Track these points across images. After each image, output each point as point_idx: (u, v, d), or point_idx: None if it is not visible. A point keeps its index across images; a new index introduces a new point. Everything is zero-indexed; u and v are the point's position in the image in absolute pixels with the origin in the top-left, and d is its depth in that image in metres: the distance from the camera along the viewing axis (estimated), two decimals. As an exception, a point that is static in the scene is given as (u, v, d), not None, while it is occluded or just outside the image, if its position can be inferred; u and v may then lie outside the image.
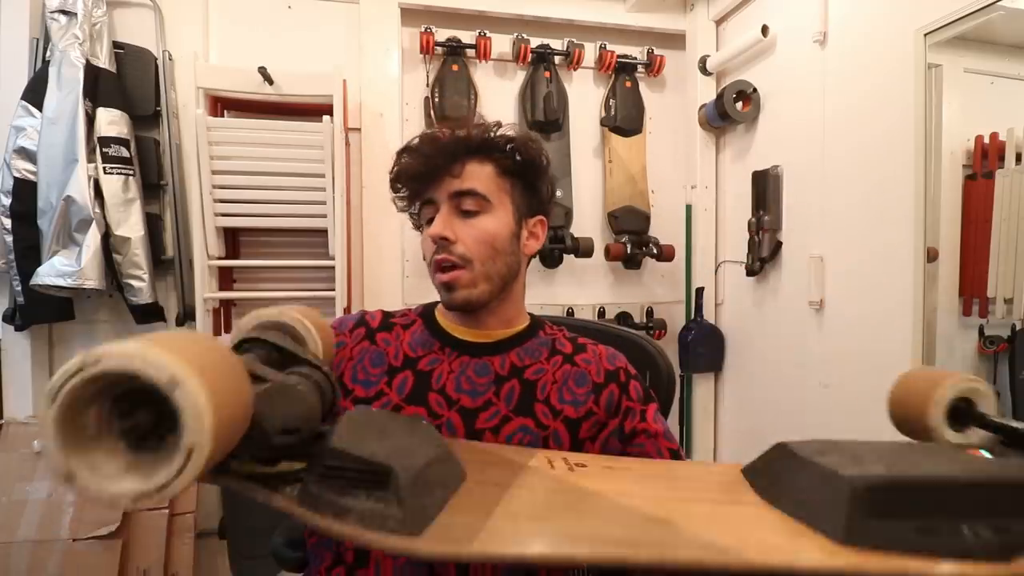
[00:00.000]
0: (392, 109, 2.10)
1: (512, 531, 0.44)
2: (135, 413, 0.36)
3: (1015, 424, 0.56)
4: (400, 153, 0.79)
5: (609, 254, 2.26)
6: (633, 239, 2.26)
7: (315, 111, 1.89)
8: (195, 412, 0.33)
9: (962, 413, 0.58)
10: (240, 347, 0.51)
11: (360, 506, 0.41)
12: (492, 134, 0.78)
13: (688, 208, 2.33)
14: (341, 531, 0.41)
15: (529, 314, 0.85)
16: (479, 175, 0.77)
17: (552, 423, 0.74)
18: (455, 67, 2.16)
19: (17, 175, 1.72)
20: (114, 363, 0.33)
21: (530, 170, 0.80)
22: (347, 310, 1.99)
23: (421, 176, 0.77)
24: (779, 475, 0.53)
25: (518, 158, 0.78)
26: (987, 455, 0.53)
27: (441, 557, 0.42)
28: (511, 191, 0.79)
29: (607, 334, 1.05)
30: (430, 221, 0.76)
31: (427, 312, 0.85)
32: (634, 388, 0.80)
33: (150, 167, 1.90)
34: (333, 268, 1.91)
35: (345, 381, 0.77)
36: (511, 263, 0.78)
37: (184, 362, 0.33)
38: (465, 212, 0.76)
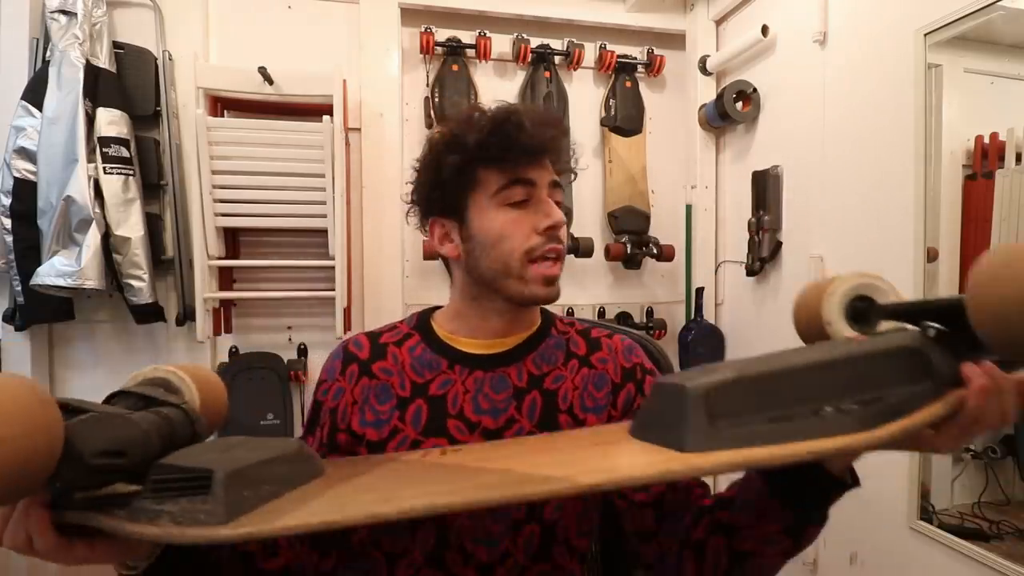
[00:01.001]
0: (392, 109, 2.10)
1: (331, 506, 0.46)
2: None
3: (909, 300, 0.54)
4: (504, 117, 0.68)
5: (609, 254, 2.26)
6: (633, 239, 2.26)
7: (315, 111, 1.89)
8: None
9: (863, 312, 0.55)
10: (110, 400, 0.52)
11: (176, 508, 0.43)
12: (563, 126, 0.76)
13: (688, 208, 2.33)
14: (154, 533, 0.42)
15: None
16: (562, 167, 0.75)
17: None
18: (455, 67, 2.16)
19: (17, 175, 1.72)
20: None
21: (568, 171, 0.79)
22: (347, 310, 1.99)
23: (535, 150, 0.69)
24: (646, 411, 0.55)
25: (571, 157, 0.77)
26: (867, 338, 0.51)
27: (243, 538, 0.42)
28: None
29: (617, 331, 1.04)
30: (519, 204, 0.69)
31: (423, 325, 0.77)
32: (649, 385, 0.76)
33: (150, 167, 1.90)
34: (333, 268, 1.91)
35: (354, 428, 0.71)
36: None
37: None
38: (557, 204, 0.71)
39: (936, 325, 0.47)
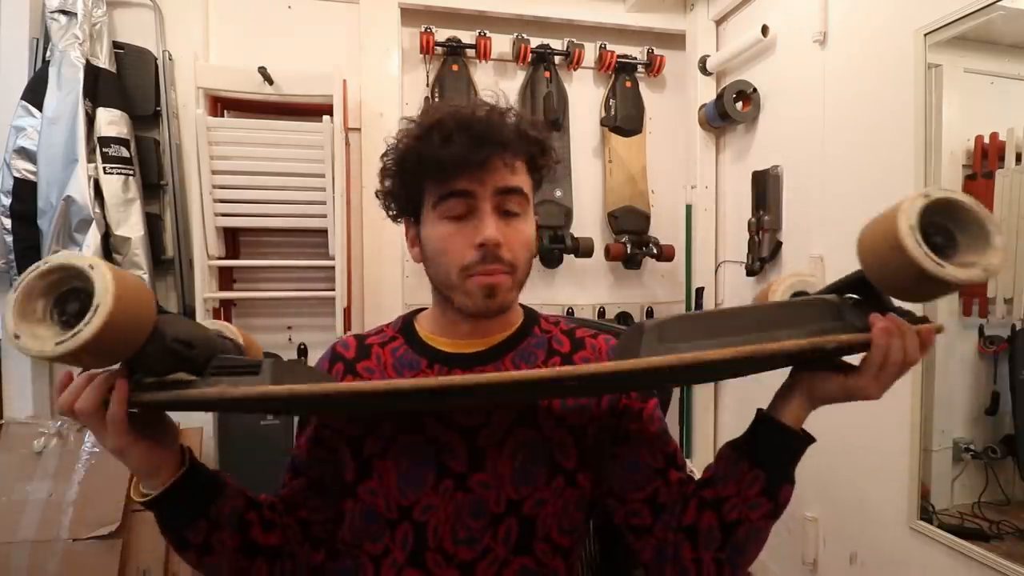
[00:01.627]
0: (392, 109, 2.10)
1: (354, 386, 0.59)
2: (69, 304, 0.50)
3: (831, 283, 0.64)
4: (428, 129, 0.65)
5: (609, 254, 2.26)
6: (633, 239, 2.26)
7: (315, 111, 1.89)
8: (103, 281, 0.47)
9: None
10: None
11: (232, 379, 0.54)
12: (525, 125, 0.69)
13: (688, 208, 2.33)
14: (213, 391, 0.53)
15: (521, 306, 0.78)
16: (521, 171, 0.69)
17: (557, 432, 0.69)
18: (455, 67, 2.16)
19: (17, 175, 1.72)
20: (55, 259, 0.49)
21: (546, 166, 0.73)
22: (347, 310, 1.99)
23: (464, 163, 0.64)
24: (614, 350, 0.66)
25: (542, 156, 0.71)
26: None
27: (286, 393, 0.52)
28: (532, 191, 0.72)
29: (610, 332, 1.04)
30: (459, 217, 0.66)
31: (407, 327, 0.77)
32: None
33: (150, 167, 1.90)
34: (333, 268, 1.91)
35: (334, 424, 0.73)
36: (531, 267, 0.73)
37: (102, 261, 0.49)
38: (507, 212, 0.67)
39: (853, 296, 0.59)
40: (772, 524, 0.62)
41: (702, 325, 0.55)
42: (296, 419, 0.81)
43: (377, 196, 0.76)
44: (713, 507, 0.62)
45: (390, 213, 0.76)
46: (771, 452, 0.61)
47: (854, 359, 0.57)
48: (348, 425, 0.72)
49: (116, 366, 0.54)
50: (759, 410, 0.63)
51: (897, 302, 0.57)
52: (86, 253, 1.69)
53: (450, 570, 0.67)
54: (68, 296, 0.50)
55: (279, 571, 0.69)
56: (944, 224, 0.51)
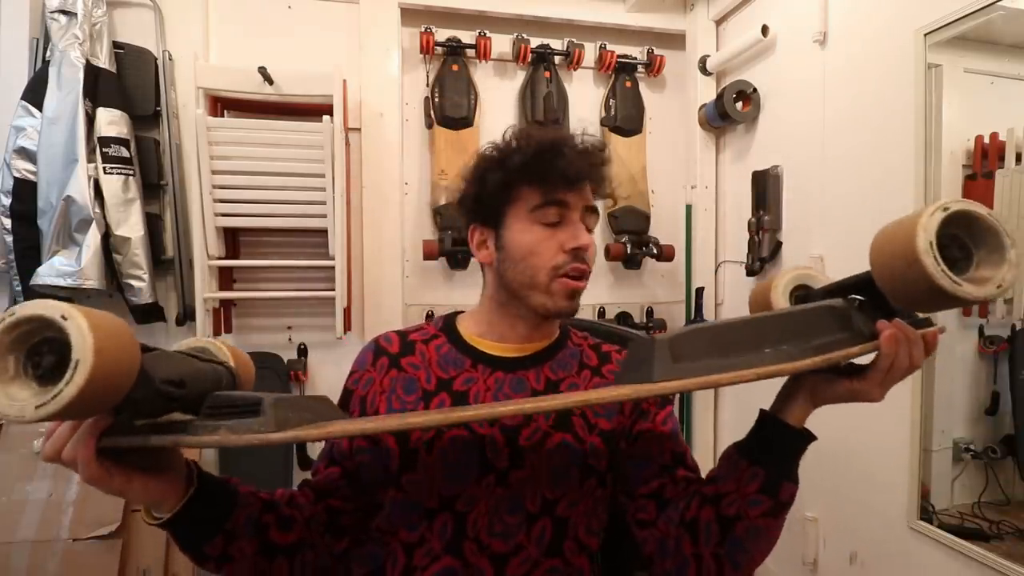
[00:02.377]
0: (392, 109, 2.10)
1: (364, 425, 0.58)
2: (44, 358, 0.45)
3: (837, 281, 0.64)
4: (549, 144, 0.74)
5: (609, 254, 2.26)
6: (633, 239, 2.26)
7: (315, 111, 1.89)
8: (80, 334, 0.43)
9: (803, 299, 0.68)
10: None
11: (231, 423, 0.50)
12: (606, 160, 0.79)
13: (688, 208, 2.33)
14: (214, 439, 0.50)
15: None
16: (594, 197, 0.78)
17: (589, 437, 0.74)
18: (455, 67, 2.16)
19: (17, 175, 1.72)
20: (23, 310, 0.44)
21: (600, 197, 0.81)
22: (347, 310, 1.99)
23: (570, 177, 0.73)
24: (624, 362, 0.65)
25: (605, 187, 0.80)
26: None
27: (290, 439, 0.50)
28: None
29: (611, 334, 1.04)
30: (552, 224, 0.74)
31: (449, 327, 0.82)
32: None
33: (150, 167, 1.90)
34: (333, 268, 1.91)
35: (381, 414, 0.76)
36: None
37: (74, 308, 0.44)
38: (587, 228, 0.76)
39: (858, 297, 0.59)
40: (776, 523, 0.62)
41: (713, 340, 0.55)
42: None
43: (457, 201, 0.82)
44: (712, 502, 0.64)
45: (466, 217, 0.82)
46: (770, 449, 0.62)
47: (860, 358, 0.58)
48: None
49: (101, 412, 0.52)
50: (762, 410, 0.64)
51: None
52: (85, 256, 1.69)
53: (483, 559, 0.70)
54: (41, 347, 0.45)
55: (299, 564, 0.70)
56: (959, 235, 0.51)
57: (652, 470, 0.73)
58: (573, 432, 0.73)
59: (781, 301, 0.68)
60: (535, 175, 0.73)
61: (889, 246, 0.52)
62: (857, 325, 0.55)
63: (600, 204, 0.81)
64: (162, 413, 0.53)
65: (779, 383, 0.63)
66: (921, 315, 0.61)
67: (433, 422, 0.54)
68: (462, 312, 0.85)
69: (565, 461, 0.72)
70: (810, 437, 0.62)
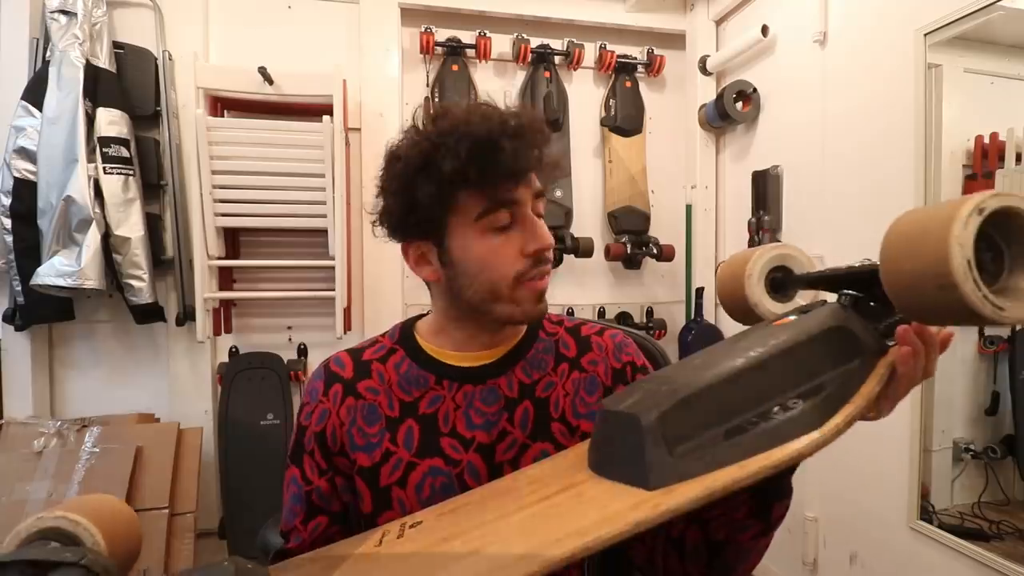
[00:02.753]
0: (392, 109, 2.10)
1: None
2: None
3: (824, 270, 0.56)
4: (488, 138, 0.61)
5: (609, 254, 2.26)
6: (633, 239, 2.26)
7: (315, 111, 1.89)
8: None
9: (781, 283, 0.59)
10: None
11: None
12: (541, 124, 0.67)
13: (688, 208, 2.33)
14: None
15: None
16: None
17: (570, 442, 0.69)
18: (455, 67, 2.16)
19: (17, 175, 1.72)
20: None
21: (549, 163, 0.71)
22: (347, 310, 1.99)
23: (514, 172, 0.63)
24: (602, 441, 0.52)
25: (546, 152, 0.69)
26: (794, 318, 0.52)
27: None
28: None
29: (611, 327, 1.04)
30: (503, 228, 0.64)
31: (406, 337, 0.74)
32: None
33: (150, 167, 1.90)
34: (333, 268, 1.91)
35: (347, 452, 0.69)
36: None
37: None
38: (538, 216, 0.67)
39: (852, 292, 0.50)
40: (768, 540, 0.58)
41: (710, 405, 0.45)
42: (291, 439, 0.73)
43: (380, 218, 0.69)
44: (699, 524, 0.59)
45: (395, 235, 0.69)
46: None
47: None
48: (359, 455, 0.68)
49: None
50: None
51: None
52: (85, 256, 1.69)
53: None
54: None
55: None
56: (991, 234, 0.41)
57: None
58: (552, 440, 0.69)
59: (756, 290, 0.58)
60: (475, 178, 0.62)
61: (912, 261, 0.41)
62: (865, 342, 0.47)
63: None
64: None
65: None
66: None
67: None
68: (423, 316, 0.77)
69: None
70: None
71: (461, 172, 0.61)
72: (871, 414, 0.49)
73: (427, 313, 0.77)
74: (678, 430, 0.44)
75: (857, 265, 0.50)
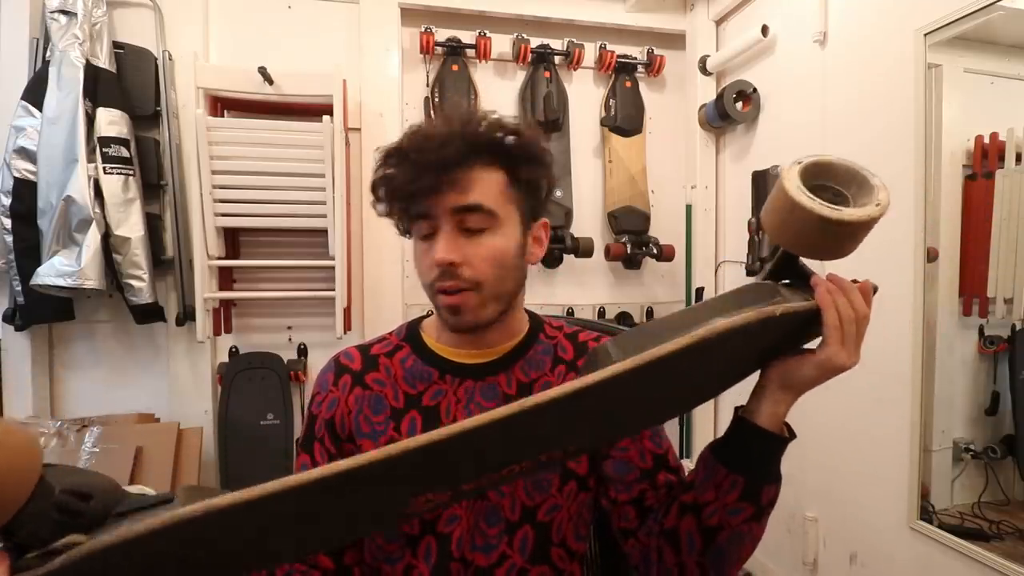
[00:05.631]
0: (392, 109, 2.10)
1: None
2: None
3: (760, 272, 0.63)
4: (386, 157, 0.68)
5: (609, 254, 2.26)
6: (633, 239, 2.26)
7: (315, 111, 1.89)
8: None
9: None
10: None
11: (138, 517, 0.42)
12: (494, 133, 0.68)
13: (688, 208, 2.33)
14: (107, 540, 0.39)
15: (527, 312, 0.78)
16: (485, 185, 0.66)
17: None
18: (455, 67, 2.16)
19: (17, 175, 1.72)
20: None
21: (536, 172, 0.70)
22: (347, 310, 1.99)
23: (413, 190, 0.65)
24: (584, 367, 0.56)
25: (525, 162, 0.69)
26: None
27: (199, 512, 0.38)
28: (516, 199, 0.69)
29: (609, 334, 1.04)
30: (427, 236, 0.67)
31: (413, 335, 0.77)
32: None
33: (150, 167, 1.90)
34: (333, 268, 1.91)
35: (354, 438, 0.71)
36: (519, 277, 0.71)
37: None
38: (469, 230, 0.66)
39: (785, 282, 0.58)
40: (760, 525, 0.61)
41: (656, 330, 0.52)
42: (303, 417, 0.77)
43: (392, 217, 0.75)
44: (693, 511, 0.62)
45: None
46: (748, 457, 0.59)
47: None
48: (364, 442, 0.71)
49: None
50: (737, 410, 0.62)
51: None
52: (85, 256, 1.69)
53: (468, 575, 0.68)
54: None
55: None
56: (827, 185, 0.55)
57: (633, 475, 0.70)
58: None
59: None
60: (394, 191, 0.67)
61: (772, 212, 0.55)
62: (790, 295, 0.55)
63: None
64: (59, 536, 0.41)
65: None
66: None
67: (379, 457, 0.41)
68: (428, 316, 0.79)
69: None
70: (788, 438, 0.59)
71: (387, 186, 0.68)
72: (832, 360, 0.55)
73: (431, 313, 0.79)
74: (632, 345, 0.51)
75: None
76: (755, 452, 0.59)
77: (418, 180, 0.64)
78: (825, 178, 0.55)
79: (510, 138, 0.68)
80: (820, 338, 0.56)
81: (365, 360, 0.75)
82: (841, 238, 0.53)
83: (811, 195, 0.51)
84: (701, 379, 0.60)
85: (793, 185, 0.52)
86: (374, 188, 0.70)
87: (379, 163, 0.69)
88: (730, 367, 0.61)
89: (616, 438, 0.69)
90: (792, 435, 0.60)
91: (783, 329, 0.54)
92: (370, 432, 0.71)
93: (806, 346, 0.58)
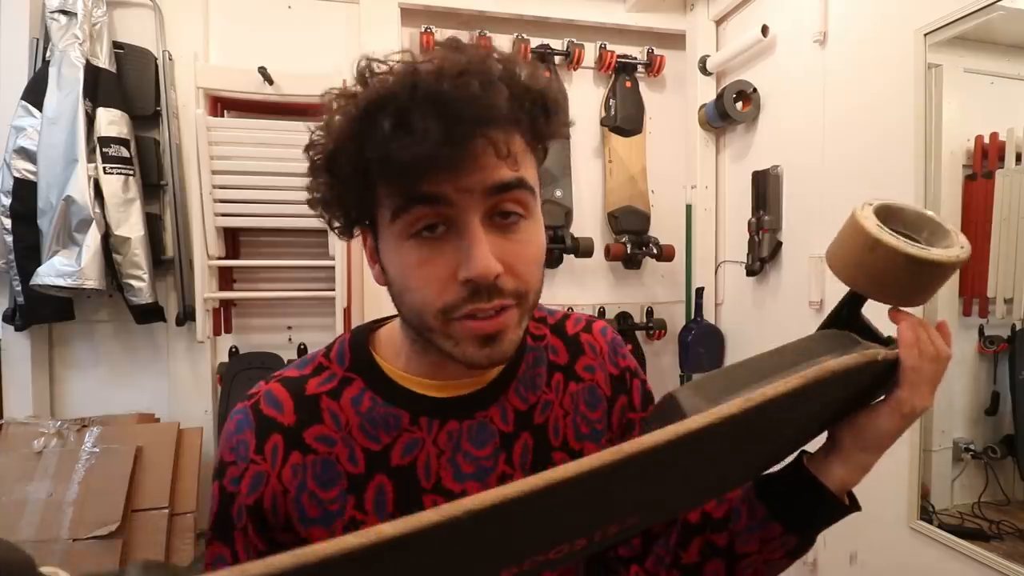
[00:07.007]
0: (392, 109, 2.09)
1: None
2: None
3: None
4: (372, 108, 0.44)
5: (609, 254, 2.26)
6: (633, 239, 2.26)
7: (315, 111, 1.88)
8: None
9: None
10: None
11: None
12: (519, 75, 0.46)
13: (688, 208, 2.33)
14: None
15: None
16: (520, 152, 0.46)
17: None
18: (455, 67, 2.16)
19: (17, 175, 1.72)
20: None
21: (560, 129, 0.50)
22: (347, 310, 1.99)
23: (434, 158, 0.41)
24: (657, 417, 0.49)
25: (544, 113, 0.48)
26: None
27: None
28: (537, 172, 0.50)
29: (592, 316, 1.02)
30: (426, 234, 0.46)
31: (363, 361, 0.55)
32: (638, 392, 0.64)
33: (150, 167, 1.90)
34: (333, 268, 1.91)
35: (295, 527, 0.51)
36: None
37: None
38: (504, 215, 0.46)
39: (853, 334, 0.53)
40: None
41: (739, 376, 0.46)
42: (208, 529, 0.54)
43: (311, 207, 0.55)
44: (726, 558, 0.54)
45: (335, 228, 0.55)
46: (810, 521, 0.52)
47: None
48: (314, 529, 0.51)
49: None
50: (801, 456, 0.53)
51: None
52: (85, 256, 1.69)
53: None
54: None
55: None
56: (897, 229, 0.51)
57: None
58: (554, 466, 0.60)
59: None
60: (381, 163, 0.43)
61: (846, 250, 0.51)
62: (866, 343, 0.51)
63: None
64: None
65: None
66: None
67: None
68: (376, 329, 0.59)
69: None
70: (855, 509, 0.52)
71: (372, 142, 0.44)
72: (911, 403, 0.49)
73: (384, 321, 0.59)
74: (709, 393, 0.44)
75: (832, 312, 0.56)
76: (819, 518, 0.52)
77: (445, 142, 0.41)
78: (895, 222, 0.51)
79: (537, 83, 0.47)
80: (884, 395, 0.50)
81: (300, 406, 0.52)
82: (924, 280, 0.49)
83: (892, 232, 0.48)
84: (775, 440, 0.50)
85: (872, 223, 0.48)
86: (331, 157, 0.49)
87: (347, 115, 0.48)
88: (806, 426, 0.51)
89: (672, 513, 0.57)
90: (857, 507, 0.53)
91: (863, 382, 0.49)
92: (321, 515, 0.50)
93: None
